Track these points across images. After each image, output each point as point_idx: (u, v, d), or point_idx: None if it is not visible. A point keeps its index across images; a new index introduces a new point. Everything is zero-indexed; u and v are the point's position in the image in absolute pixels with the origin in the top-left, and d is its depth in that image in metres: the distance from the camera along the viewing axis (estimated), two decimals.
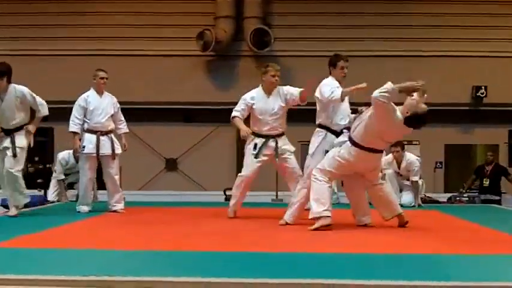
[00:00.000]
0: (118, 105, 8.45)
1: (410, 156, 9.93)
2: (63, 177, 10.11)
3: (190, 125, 15.10)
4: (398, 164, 9.86)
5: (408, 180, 9.91)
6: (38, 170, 12.40)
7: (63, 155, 10.17)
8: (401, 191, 9.99)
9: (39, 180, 11.81)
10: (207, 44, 14.41)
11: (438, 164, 14.67)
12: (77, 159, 10.07)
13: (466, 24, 14.65)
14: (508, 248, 5.01)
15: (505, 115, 14.50)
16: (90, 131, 8.16)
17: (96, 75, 8.31)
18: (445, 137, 14.81)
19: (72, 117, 8.17)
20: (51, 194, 10.17)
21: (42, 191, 10.57)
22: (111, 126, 8.33)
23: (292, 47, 14.52)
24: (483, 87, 14.61)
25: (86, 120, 8.18)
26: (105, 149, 8.16)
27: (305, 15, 14.88)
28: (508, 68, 14.66)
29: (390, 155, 9.85)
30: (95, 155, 8.12)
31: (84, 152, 8.14)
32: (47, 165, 10.47)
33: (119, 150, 8.30)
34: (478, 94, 14.64)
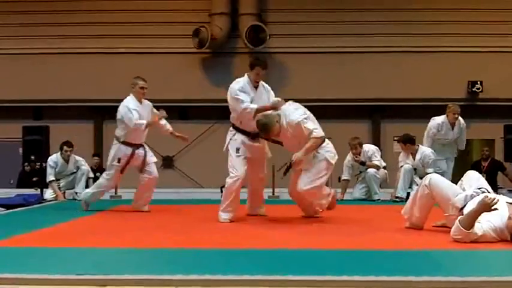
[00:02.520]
0: (154, 110, 8.03)
1: (425, 150, 9.95)
2: (52, 178, 10.14)
3: (186, 122, 15.08)
4: (413, 157, 9.92)
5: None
6: (34, 169, 12.41)
7: (52, 157, 10.27)
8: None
9: (34, 179, 11.82)
10: (202, 41, 14.41)
11: None
12: (65, 159, 10.11)
13: (461, 19, 14.68)
14: (503, 243, 5.01)
15: (500, 110, 14.52)
16: (127, 144, 7.79)
17: (136, 83, 7.73)
18: None
19: (129, 115, 7.60)
20: (49, 193, 10.20)
21: (39, 190, 10.58)
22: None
23: (288, 44, 14.53)
24: (479, 82, 14.63)
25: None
26: (137, 163, 7.89)
27: (301, 11, 14.88)
28: (504, 63, 14.69)
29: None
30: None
31: (117, 164, 7.80)
32: (43, 164, 10.50)
33: (153, 158, 8.07)
34: (473, 89, 14.66)
